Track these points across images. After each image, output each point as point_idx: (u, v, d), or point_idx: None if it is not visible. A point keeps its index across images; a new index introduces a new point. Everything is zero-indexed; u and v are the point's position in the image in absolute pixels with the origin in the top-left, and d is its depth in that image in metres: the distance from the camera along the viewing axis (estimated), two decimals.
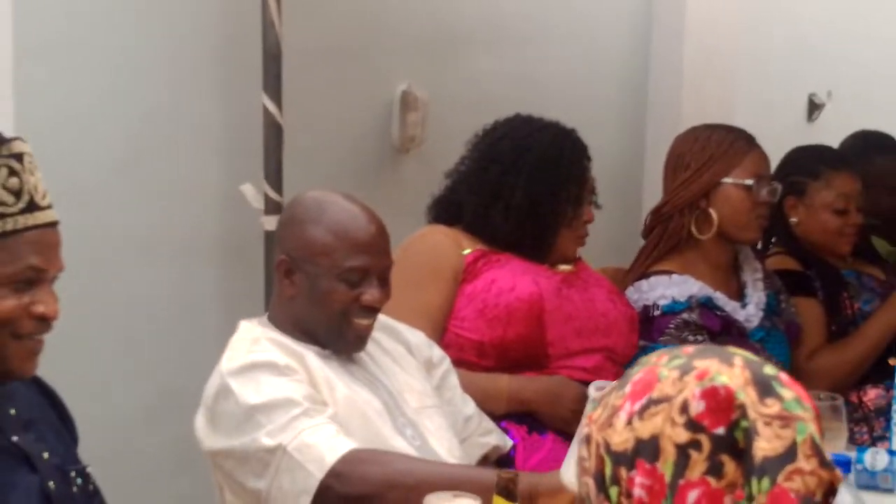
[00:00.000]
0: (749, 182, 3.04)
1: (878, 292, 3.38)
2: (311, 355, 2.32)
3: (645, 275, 3.07)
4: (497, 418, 2.67)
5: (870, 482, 2.47)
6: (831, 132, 6.67)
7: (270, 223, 3.18)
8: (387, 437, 2.29)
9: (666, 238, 3.09)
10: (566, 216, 2.83)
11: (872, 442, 3.22)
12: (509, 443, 2.64)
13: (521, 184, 2.83)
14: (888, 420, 3.23)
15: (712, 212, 3.05)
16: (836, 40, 6.63)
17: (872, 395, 3.28)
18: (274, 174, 3.34)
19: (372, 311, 2.35)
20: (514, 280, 2.77)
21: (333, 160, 3.95)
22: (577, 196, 2.84)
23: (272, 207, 3.27)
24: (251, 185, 3.34)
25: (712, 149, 3.07)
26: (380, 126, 4.18)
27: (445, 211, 2.94)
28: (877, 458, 2.48)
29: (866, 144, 3.83)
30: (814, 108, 6.57)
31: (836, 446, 2.41)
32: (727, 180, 3.05)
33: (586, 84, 4.98)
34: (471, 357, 2.72)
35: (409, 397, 2.42)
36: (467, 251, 2.83)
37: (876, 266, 3.52)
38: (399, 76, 4.25)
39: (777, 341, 3.11)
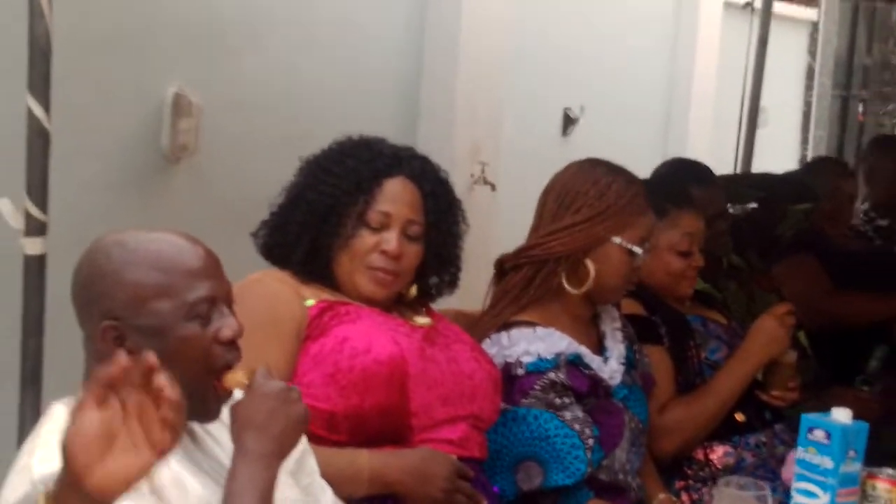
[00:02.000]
0: (636, 249, 2.70)
1: (723, 339, 3.13)
2: None
3: (506, 325, 2.68)
4: (353, 503, 2.22)
5: None
6: (584, 146, 6.58)
7: (33, 246, 2.63)
8: None
9: (535, 285, 2.70)
10: (339, 233, 2.39)
11: None
12: None
13: (304, 192, 2.43)
14: None
15: (591, 266, 2.68)
16: (590, 56, 6.52)
17: (720, 452, 3.01)
18: (38, 188, 2.73)
19: (235, 348, 1.87)
20: (370, 338, 2.32)
21: (99, 171, 3.39)
22: (361, 212, 2.40)
23: (34, 228, 2.69)
24: (8, 201, 2.74)
25: (610, 200, 2.69)
26: (149, 132, 3.67)
27: (271, 239, 2.47)
28: None
29: (680, 174, 3.59)
30: (568, 122, 6.41)
31: None
32: (615, 240, 2.69)
33: (359, 91, 4.65)
34: (319, 430, 2.24)
35: None
36: (310, 302, 2.37)
37: (714, 310, 3.27)
38: (170, 76, 3.73)
39: (637, 398, 2.79)
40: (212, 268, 1.88)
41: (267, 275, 2.40)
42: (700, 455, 3.01)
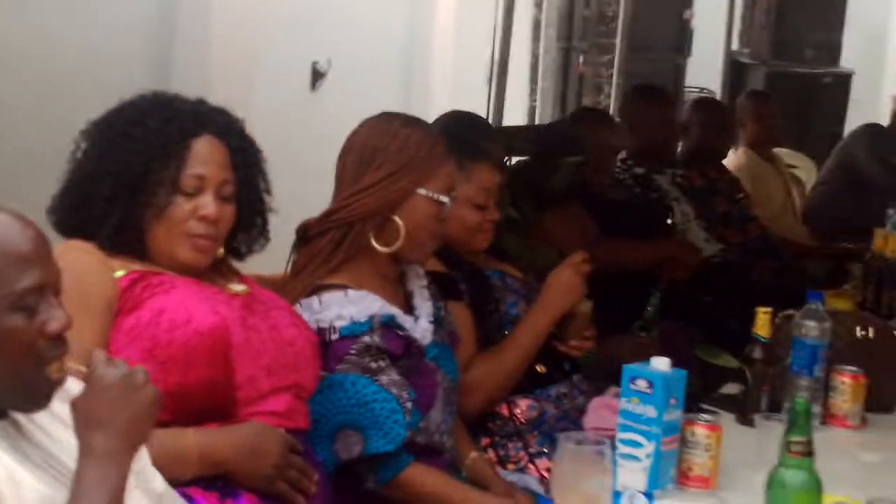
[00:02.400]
0: (443, 198, 2.65)
1: (521, 293, 3.13)
2: None
3: (316, 289, 2.59)
4: (181, 485, 2.11)
5: None
6: (332, 101, 6.51)
7: None
8: None
9: (345, 248, 2.62)
10: (151, 203, 2.25)
11: (530, 459, 2.98)
12: None
13: (106, 162, 2.26)
14: (542, 434, 3.02)
15: (399, 222, 2.62)
16: (338, 7, 6.44)
17: (523, 405, 3.02)
18: None
19: (62, 342, 1.73)
20: (188, 309, 2.20)
21: None
22: (173, 178, 2.26)
23: None
24: None
25: (411, 152, 2.63)
26: None
27: (72, 218, 2.30)
28: (634, 503, 2.22)
29: (467, 127, 3.57)
30: (317, 76, 6.31)
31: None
32: (421, 191, 2.63)
33: (111, 52, 4.45)
34: None
35: None
36: (119, 273, 2.22)
37: (509, 264, 3.27)
38: None
39: (447, 357, 2.76)
40: (42, 253, 1.74)
41: (69, 246, 2.23)
42: (504, 410, 3.02)
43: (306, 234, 2.68)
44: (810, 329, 2.84)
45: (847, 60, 9.13)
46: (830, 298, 3.99)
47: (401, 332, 2.61)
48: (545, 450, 2.98)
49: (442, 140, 2.72)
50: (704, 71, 14.94)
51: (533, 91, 10.63)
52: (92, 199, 2.26)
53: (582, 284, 3.03)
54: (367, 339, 2.54)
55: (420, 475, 2.58)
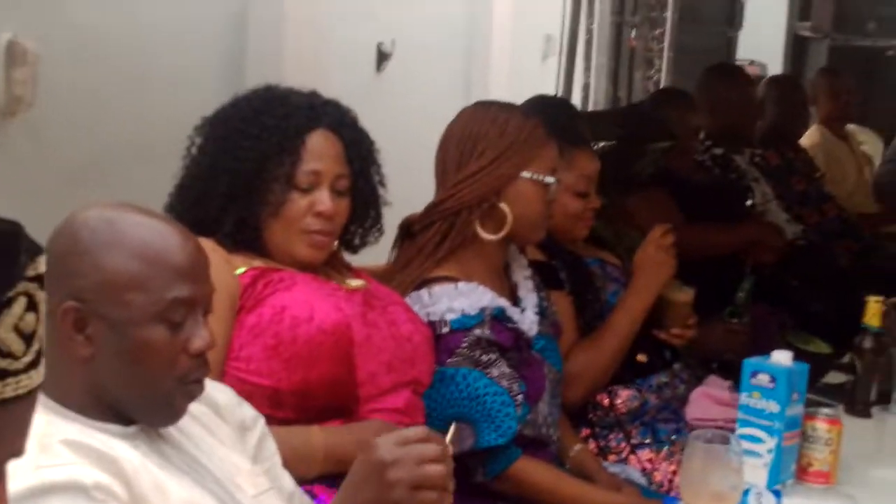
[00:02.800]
0: (548, 179, 2.62)
1: (621, 281, 3.10)
2: (123, 452, 1.63)
3: (425, 282, 2.57)
4: (305, 482, 2.09)
5: None
6: (398, 82, 6.48)
7: None
8: None
9: (451, 238, 2.59)
10: (268, 200, 2.24)
11: (632, 450, 2.95)
12: None
13: (222, 159, 2.24)
14: (643, 424, 2.99)
15: (505, 209, 2.59)
16: None
17: (624, 396, 3.00)
18: None
19: (204, 363, 1.72)
20: (311, 306, 2.18)
21: None
22: (289, 174, 2.24)
23: None
24: None
25: (512, 136, 2.60)
26: None
27: (190, 215, 2.28)
28: (763, 501, 2.18)
29: (564, 112, 3.54)
30: (382, 57, 6.28)
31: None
32: (525, 174, 2.60)
33: (190, 35, 4.45)
34: (263, 408, 2.08)
35: (243, 482, 1.80)
36: (241, 270, 2.21)
37: (608, 251, 3.24)
38: (4, 23, 3.45)
39: (552, 348, 2.74)
40: (199, 269, 1.72)
41: None
42: (604, 400, 2.99)
43: (410, 229, 2.66)
44: None
45: None
46: None
47: (510, 325, 2.59)
48: (647, 441, 2.96)
49: (540, 122, 2.69)
50: (757, 43, 14.87)
51: (587, 67, 10.55)
52: (209, 197, 2.24)
53: (670, 259, 2.99)
54: (477, 331, 2.51)
55: (529, 468, 2.56)
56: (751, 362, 2.35)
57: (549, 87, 9.60)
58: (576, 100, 10.32)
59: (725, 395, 3.04)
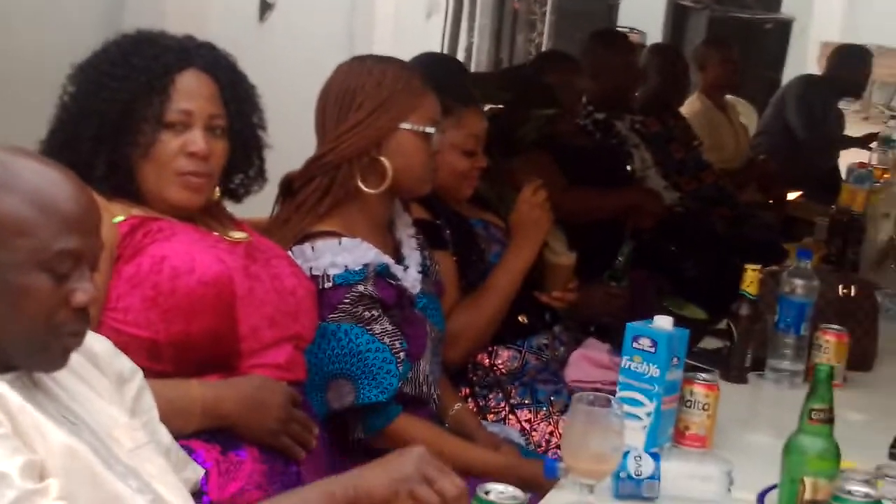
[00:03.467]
0: (429, 129, 2.60)
1: (504, 243, 3.10)
2: (4, 390, 1.59)
3: (308, 237, 2.53)
4: (183, 437, 2.05)
5: (634, 491, 2.18)
6: (281, 33, 6.38)
7: None
8: (124, 498, 1.64)
9: (333, 193, 2.56)
10: (138, 142, 2.17)
11: (511, 410, 2.96)
12: (200, 472, 2.02)
13: (91, 102, 2.17)
14: (523, 385, 3.00)
15: (385, 162, 2.56)
16: None
17: (505, 356, 3.01)
18: None
19: (85, 317, 1.66)
20: (191, 257, 2.12)
21: None
22: (158, 114, 2.18)
23: None
24: None
25: (389, 88, 2.57)
26: None
27: (61, 161, 2.19)
28: (642, 463, 2.19)
29: (452, 70, 3.52)
30: (265, 7, 6.18)
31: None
32: (404, 126, 2.58)
33: None
34: (141, 360, 2.02)
35: (120, 436, 1.75)
36: (119, 218, 2.14)
37: (490, 212, 3.23)
38: None
39: (435, 307, 2.72)
40: (90, 223, 1.68)
41: None
42: (485, 360, 2.99)
43: (291, 186, 2.62)
44: (798, 287, 2.84)
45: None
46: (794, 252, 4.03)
47: (393, 282, 2.56)
48: (526, 401, 2.97)
49: (418, 73, 2.68)
50: (638, 11, 15.02)
51: (471, 28, 10.53)
52: (79, 140, 2.17)
53: (545, 215, 3.00)
54: (361, 287, 2.49)
55: (409, 425, 2.55)
56: (633, 327, 2.36)
57: (434, 45, 9.57)
58: (459, 60, 10.33)
59: (605, 357, 3.06)
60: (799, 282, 2.84)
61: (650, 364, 2.34)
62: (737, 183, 5.56)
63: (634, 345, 2.35)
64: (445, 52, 10.17)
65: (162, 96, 2.18)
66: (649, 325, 2.37)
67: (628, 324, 2.39)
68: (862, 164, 4.59)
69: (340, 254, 2.51)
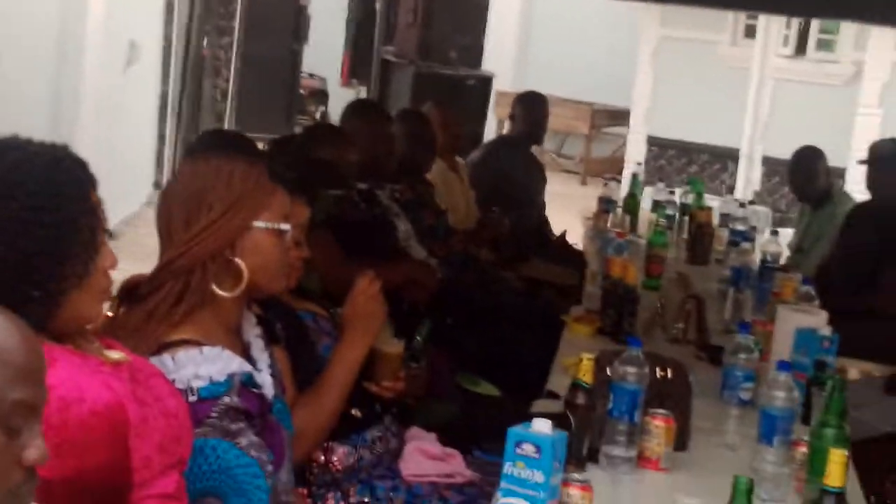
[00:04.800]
0: (283, 226, 2.52)
1: (333, 335, 3.02)
2: None
3: (164, 346, 2.38)
4: None
5: None
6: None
7: None
8: None
9: (187, 299, 2.42)
10: (77, 273, 2.04)
11: None
12: None
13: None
14: (360, 482, 2.93)
15: (240, 262, 2.46)
16: None
17: (340, 453, 2.93)
18: None
19: (34, 476, 1.52)
20: (78, 384, 1.96)
21: None
22: (91, 240, 2.07)
23: None
24: None
25: (239, 186, 2.48)
26: None
27: None
28: None
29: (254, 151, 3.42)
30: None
31: None
32: (258, 224, 2.49)
33: None
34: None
35: None
36: None
37: (313, 303, 3.14)
38: None
39: (285, 409, 2.62)
40: (40, 371, 1.52)
41: None
42: (321, 457, 2.91)
43: (135, 291, 2.46)
44: (629, 374, 2.91)
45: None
46: (573, 323, 4.14)
47: (255, 390, 2.45)
48: (366, 499, 2.91)
49: (265, 167, 2.60)
50: (319, 58, 15.13)
51: (165, 75, 10.28)
52: None
53: (380, 308, 2.97)
54: (227, 399, 2.37)
55: None
56: (515, 432, 2.36)
57: (135, 95, 9.30)
58: (153, 109, 10.06)
59: (436, 448, 3.04)
60: (631, 369, 2.91)
61: (534, 470, 2.34)
62: (475, 244, 5.65)
63: (517, 450, 2.35)
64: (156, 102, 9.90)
65: None
66: (530, 430, 2.37)
67: (509, 429, 2.38)
68: (620, 234, 4.77)
69: (203, 364, 2.38)
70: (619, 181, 8.13)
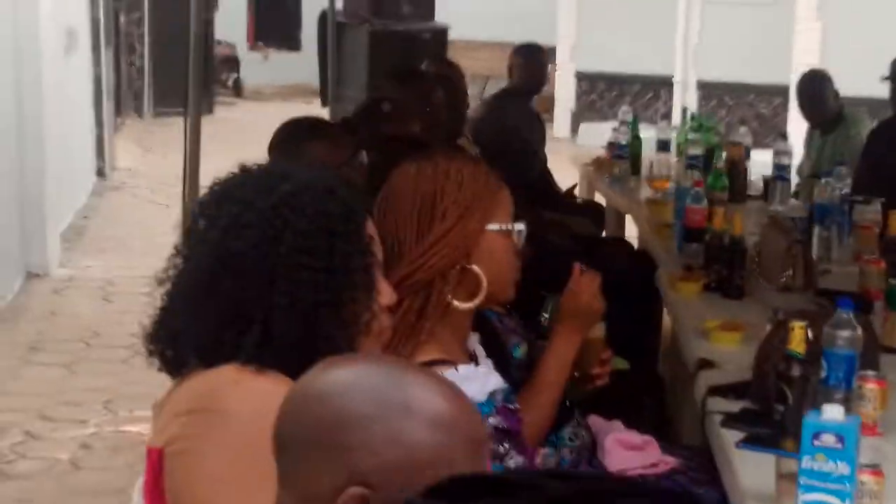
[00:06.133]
0: (518, 226, 2.28)
1: (518, 333, 2.79)
2: None
3: None
4: None
5: None
6: None
7: None
8: None
9: (429, 314, 2.19)
10: (360, 313, 1.80)
11: None
12: None
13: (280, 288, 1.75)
14: None
15: (478, 270, 2.22)
16: None
17: (543, 455, 2.69)
18: None
19: None
20: None
21: None
22: (367, 278, 1.82)
23: None
24: None
25: (470, 189, 2.26)
26: None
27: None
28: None
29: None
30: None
31: None
32: (492, 227, 2.25)
33: None
34: None
35: None
36: None
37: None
38: None
39: None
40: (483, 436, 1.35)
41: (255, 380, 1.67)
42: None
43: None
44: (844, 339, 2.73)
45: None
46: (679, 283, 3.95)
47: (512, 406, 2.23)
48: None
49: (485, 163, 2.36)
50: (229, 22, 14.74)
51: (97, 59, 9.82)
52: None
53: (601, 304, 2.71)
54: (492, 420, 2.15)
55: None
56: (811, 423, 2.17)
57: (77, 82, 8.85)
58: (88, 93, 9.60)
59: (634, 437, 2.84)
60: (843, 333, 2.73)
61: (837, 462, 2.14)
62: None
63: (815, 442, 2.15)
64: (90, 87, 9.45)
65: None
66: (825, 419, 2.17)
67: (806, 420, 2.18)
68: (699, 183, 4.55)
69: (462, 384, 2.12)
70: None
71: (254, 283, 1.71)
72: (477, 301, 2.25)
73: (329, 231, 1.75)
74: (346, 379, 1.29)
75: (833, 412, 2.18)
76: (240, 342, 1.71)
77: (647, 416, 3.48)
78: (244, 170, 1.81)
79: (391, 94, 4.58)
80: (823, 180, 4.53)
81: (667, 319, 5.17)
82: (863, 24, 10.67)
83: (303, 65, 12.93)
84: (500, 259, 2.29)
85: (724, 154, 5.25)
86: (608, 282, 3.39)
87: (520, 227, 2.32)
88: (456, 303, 2.23)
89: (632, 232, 6.33)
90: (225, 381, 1.70)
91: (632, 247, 5.64)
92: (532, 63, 6.63)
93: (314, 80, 9.69)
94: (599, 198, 6.55)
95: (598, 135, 11.91)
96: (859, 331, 2.76)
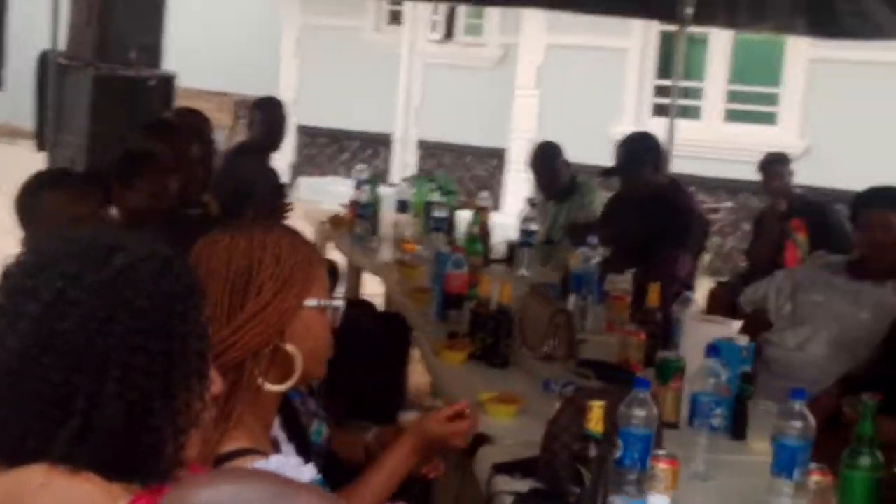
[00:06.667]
0: (336, 302, 2.13)
1: (320, 416, 2.63)
2: None
3: (223, 459, 1.95)
4: None
5: None
6: None
7: None
8: None
9: (239, 397, 2.00)
10: (192, 403, 1.60)
11: None
12: None
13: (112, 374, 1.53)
14: None
15: (292, 349, 2.06)
16: None
17: None
18: None
19: None
20: None
21: None
22: (202, 364, 1.63)
23: None
24: None
25: (289, 261, 2.08)
26: None
27: None
28: None
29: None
30: None
31: None
32: (310, 303, 2.09)
33: None
34: None
35: None
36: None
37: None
38: None
39: None
40: None
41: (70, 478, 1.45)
42: None
43: None
44: (639, 419, 2.70)
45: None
46: (444, 351, 3.87)
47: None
48: None
49: (301, 234, 2.22)
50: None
51: None
52: None
53: (463, 442, 2.65)
54: None
55: None
56: None
57: None
58: None
59: None
60: (639, 412, 2.70)
61: None
62: None
63: None
64: None
65: None
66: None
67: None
68: (457, 248, 4.49)
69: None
70: None
71: (79, 368, 1.48)
72: (290, 383, 2.08)
73: (168, 311, 1.54)
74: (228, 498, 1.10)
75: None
76: (52, 435, 1.49)
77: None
78: (64, 238, 1.58)
79: (144, 147, 4.34)
80: (578, 250, 4.56)
81: (414, 382, 5.10)
82: (577, 96, 11.05)
83: (6, 104, 12.26)
84: (316, 336, 2.14)
85: (479, 218, 5.24)
86: (356, 344, 3.27)
87: (338, 303, 2.16)
88: (268, 385, 2.05)
89: (371, 290, 6.26)
90: (31, 485, 1.47)
91: (375, 308, 5.54)
92: (271, 117, 6.50)
93: (21, 122, 9.21)
94: (331, 255, 6.45)
95: (318, 189, 11.86)
96: (655, 410, 2.73)
